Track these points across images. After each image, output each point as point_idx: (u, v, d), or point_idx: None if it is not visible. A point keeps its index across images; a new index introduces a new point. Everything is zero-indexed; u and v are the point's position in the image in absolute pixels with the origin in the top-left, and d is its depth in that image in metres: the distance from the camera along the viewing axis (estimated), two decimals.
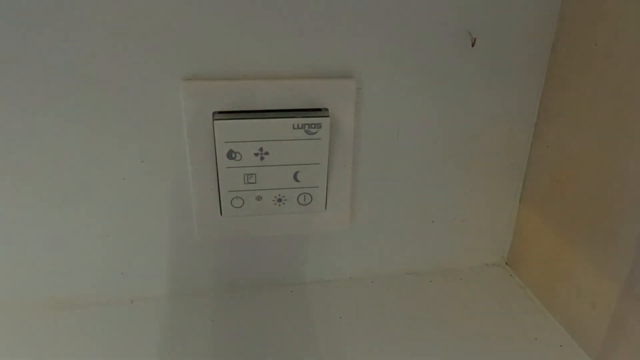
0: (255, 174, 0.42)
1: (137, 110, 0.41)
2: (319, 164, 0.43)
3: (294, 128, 0.41)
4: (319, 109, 0.42)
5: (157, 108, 0.41)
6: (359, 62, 0.43)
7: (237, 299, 0.50)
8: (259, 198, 0.44)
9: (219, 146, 0.41)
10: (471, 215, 0.53)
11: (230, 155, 0.41)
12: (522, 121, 0.49)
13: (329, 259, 0.52)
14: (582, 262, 0.43)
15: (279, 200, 0.44)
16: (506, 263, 0.56)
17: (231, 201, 0.43)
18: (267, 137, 0.41)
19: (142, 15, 0.38)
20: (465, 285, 0.53)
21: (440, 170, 0.49)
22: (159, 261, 0.48)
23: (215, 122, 0.40)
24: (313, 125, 0.41)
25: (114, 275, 0.48)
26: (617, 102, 0.39)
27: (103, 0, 0.37)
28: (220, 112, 0.41)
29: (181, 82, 0.40)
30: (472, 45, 0.44)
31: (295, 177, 0.43)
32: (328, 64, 0.42)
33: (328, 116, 0.41)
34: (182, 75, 0.40)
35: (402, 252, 0.53)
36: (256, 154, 0.41)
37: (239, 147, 0.41)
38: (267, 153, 0.42)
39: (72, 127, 0.41)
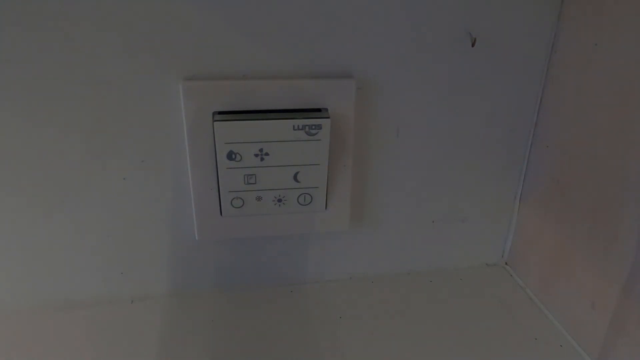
0: (255, 174, 0.42)
1: (137, 110, 0.41)
2: (319, 164, 0.43)
3: (294, 129, 0.41)
4: (319, 109, 0.42)
5: (157, 108, 0.41)
6: (359, 62, 0.43)
7: (237, 299, 0.50)
8: (259, 198, 0.44)
9: (219, 147, 0.41)
10: (471, 215, 0.53)
11: (231, 156, 0.41)
12: (522, 121, 0.49)
13: (329, 259, 0.52)
14: (582, 262, 0.43)
15: (279, 200, 0.44)
16: (506, 263, 0.56)
17: (231, 201, 0.43)
18: (268, 138, 0.41)
19: (142, 15, 0.38)
20: (465, 285, 0.53)
21: (440, 170, 0.49)
22: (159, 261, 0.48)
23: (215, 123, 0.40)
24: (313, 127, 0.41)
25: (114, 275, 0.48)
26: (617, 102, 0.39)
27: (103, 0, 0.37)
28: (220, 113, 0.41)
29: (181, 82, 0.40)
30: (472, 45, 0.44)
31: (295, 177, 0.43)
32: (328, 64, 0.42)
33: (328, 117, 0.41)
34: (182, 75, 0.40)
35: (402, 252, 0.53)
36: (256, 155, 0.41)
37: (239, 148, 0.41)
38: (267, 154, 0.42)
39: (72, 127, 0.41)
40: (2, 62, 0.38)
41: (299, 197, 0.44)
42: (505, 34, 0.44)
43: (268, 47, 0.41)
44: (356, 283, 0.53)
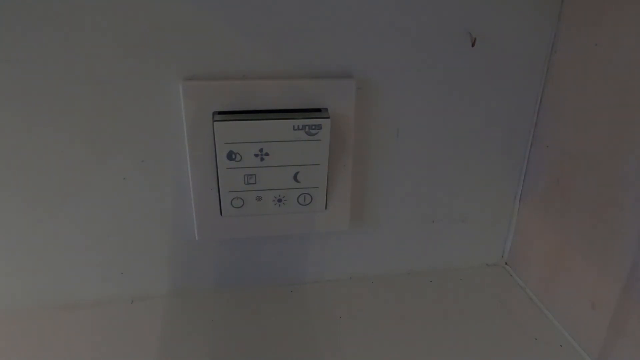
0: (255, 174, 0.42)
1: (137, 110, 0.41)
2: (319, 164, 0.43)
3: (294, 129, 0.41)
4: (319, 109, 0.42)
5: (157, 108, 0.41)
6: (359, 62, 0.43)
7: (237, 299, 0.50)
8: (259, 198, 0.44)
9: (219, 147, 0.41)
10: (471, 215, 0.53)
11: (231, 156, 0.41)
12: (522, 121, 0.49)
13: (329, 259, 0.52)
14: (582, 262, 0.43)
15: (279, 200, 0.44)
16: (506, 263, 0.56)
17: (231, 201, 0.43)
18: (268, 138, 0.41)
19: (142, 16, 0.38)
20: (465, 285, 0.53)
21: (440, 170, 0.49)
22: (159, 261, 0.48)
23: (215, 123, 0.40)
24: (313, 127, 0.41)
25: (114, 275, 0.48)
26: (617, 102, 0.39)
27: (103, 0, 0.37)
28: (220, 113, 0.41)
29: (181, 82, 0.40)
30: (472, 45, 0.44)
31: (295, 177, 0.43)
32: (328, 64, 0.42)
33: (328, 117, 0.41)
34: (182, 75, 0.40)
35: (402, 252, 0.53)
36: (256, 155, 0.41)
37: (239, 148, 0.41)
38: (267, 154, 0.42)
39: (72, 127, 0.41)
40: (2, 62, 0.38)
41: (299, 197, 0.44)
42: (505, 34, 0.44)
43: (268, 47, 0.41)
44: (356, 283, 0.53)
